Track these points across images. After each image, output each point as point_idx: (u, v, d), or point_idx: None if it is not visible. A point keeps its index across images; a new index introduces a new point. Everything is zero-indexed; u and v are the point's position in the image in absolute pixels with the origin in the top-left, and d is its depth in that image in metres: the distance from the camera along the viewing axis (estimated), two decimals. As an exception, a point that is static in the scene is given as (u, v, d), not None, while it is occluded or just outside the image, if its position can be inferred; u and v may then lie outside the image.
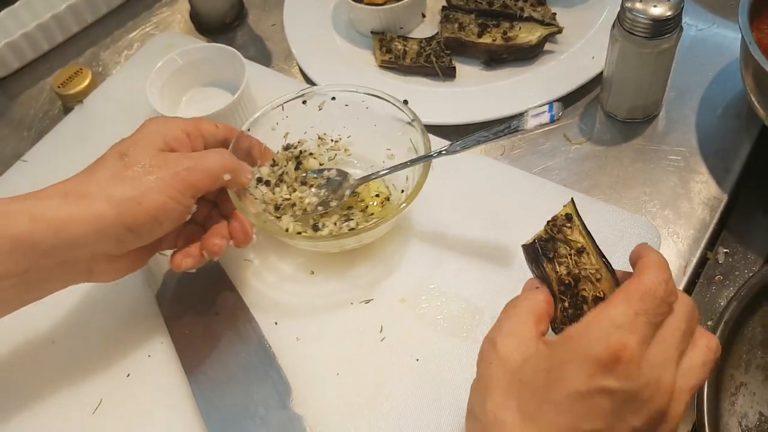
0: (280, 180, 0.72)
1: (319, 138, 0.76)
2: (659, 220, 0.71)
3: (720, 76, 0.82)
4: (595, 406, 0.43)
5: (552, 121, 0.62)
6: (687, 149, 0.76)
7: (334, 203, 0.70)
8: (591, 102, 0.82)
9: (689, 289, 0.69)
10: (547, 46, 0.86)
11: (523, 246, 0.55)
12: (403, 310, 0.67)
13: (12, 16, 0.98)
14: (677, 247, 0.69)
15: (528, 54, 0.84)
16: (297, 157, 0.74)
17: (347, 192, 0.71)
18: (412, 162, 0.68)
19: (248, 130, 0.72)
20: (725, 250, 0.72)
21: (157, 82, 0.84)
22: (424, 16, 0.93)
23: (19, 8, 0.99)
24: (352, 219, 0.70)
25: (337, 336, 0.66)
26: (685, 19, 0.86)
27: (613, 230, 0.68)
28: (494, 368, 0.47)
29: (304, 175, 0.72)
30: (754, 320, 0.60)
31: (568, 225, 0.55)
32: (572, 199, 0.56)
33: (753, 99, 0.72)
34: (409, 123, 0.70)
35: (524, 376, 0.46)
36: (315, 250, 0.71)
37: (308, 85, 0.86)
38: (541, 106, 0.63)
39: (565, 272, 0.53)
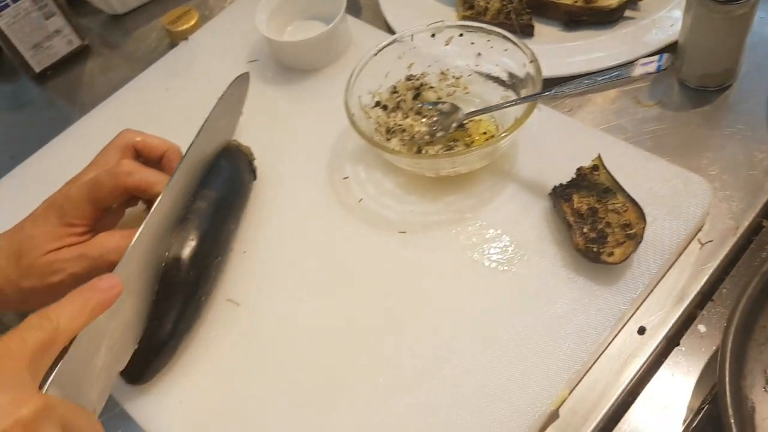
0: (397, 106, 0.78)
1: (442, 73, 0.81)
2: (717, 182, 0.72)
3: (805, 54, 0.81)
4: None
5: (658, 71, 0.64)
6: (755, 121, 0.76)
7: (440, 134, 0.75)
8: (668, 69, 0.83)
9: (738, 254, 0.69)
10: (629, 13, 0.87)
11: (549, 194, 0.70)
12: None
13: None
14: (731, 209, 0.70)
15: (607, 17, 0.86)
16: (417, 88, 0.79)
17: (453, 125, 0.75)
18: (516, 102, 0.72)
19: (375, 54, 0.77)
20: (782, 221, 0.72)
21: (265, 10, 0.91)
22: (510, -26, 0.96)
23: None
24: (453, 150, 0.75)
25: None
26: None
27: (665, 185, 0.69)
28: None
29: (420, 105, 0.78)
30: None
31: (596, 173, 0.69)
32: (599, 154, 0.70)
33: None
34: (529, 64, 0.72)
35: None
36: (412, 170, 0.75)
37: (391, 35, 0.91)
38: (651, 56, 0.65)
39: (585, 208, 0.66)
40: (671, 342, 0.65)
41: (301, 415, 0.63)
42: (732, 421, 0.53)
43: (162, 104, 0.92)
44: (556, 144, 0.75)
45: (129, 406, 0.67)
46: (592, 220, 0.65)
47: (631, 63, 0.65)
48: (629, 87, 0.82)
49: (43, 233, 0.65)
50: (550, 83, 0.71)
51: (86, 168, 0.70)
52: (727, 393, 0.54)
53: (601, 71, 0.67)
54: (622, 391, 0.62)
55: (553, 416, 0.61)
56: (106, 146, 0.72)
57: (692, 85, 0.80)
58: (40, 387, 0.47)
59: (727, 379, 0.54)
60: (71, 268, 0.65)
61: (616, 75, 0.65)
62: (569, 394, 0.61)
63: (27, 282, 0.65)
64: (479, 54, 0.79)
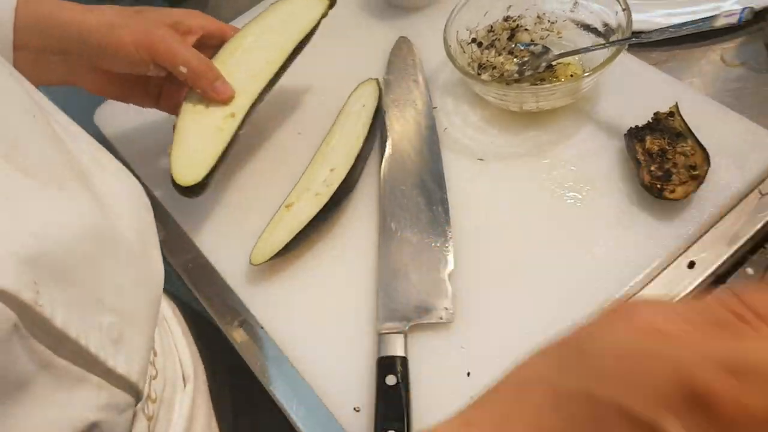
0: (491, 44, 0.85)
1: (538, 17, 0.87)
2: (791, 144, 0.75)
3: None
4: None
5: (739, 22, 0.70)
6: (838, 89, 0.79)
7: (528, 72, 0.82)
8: (756, 32, 0.86)
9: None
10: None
11: (624, 135, 0.75)
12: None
13: None
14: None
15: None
16: (513, 29, 0.86)
17: (543, 64, 0.82)
18: (605, 45, 0.77)
19: None
20: None
21: None
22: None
23: None
24: None
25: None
26: None
27: (735, 137, 0.73)
28: None
29: (513, 45, 0.85)
30: None
31: (671, 118, 0.74)
32: (677, 103, 0.75)
33: None
34: (621, 12, 0.77)
35: None
36: (498, 103, 0.81)
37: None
38: (734, 9, 0.71)
39: (656, 148, 0.70)
40: (718, 280, 0.70)
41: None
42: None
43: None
44: (637, 91, 0.81)
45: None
46: (661, 160, 0.71)
47: (715, 15, 0.69)
48: (716, 46, 0.85)
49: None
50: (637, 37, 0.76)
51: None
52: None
53: (687, 22, 0.71)
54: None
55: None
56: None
57: (780, 50, 0.83)
58: None
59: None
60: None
61: (700, 23, 0.69)
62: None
63: (152, 15, 0.74)
64: (576, 1, 0.84)
